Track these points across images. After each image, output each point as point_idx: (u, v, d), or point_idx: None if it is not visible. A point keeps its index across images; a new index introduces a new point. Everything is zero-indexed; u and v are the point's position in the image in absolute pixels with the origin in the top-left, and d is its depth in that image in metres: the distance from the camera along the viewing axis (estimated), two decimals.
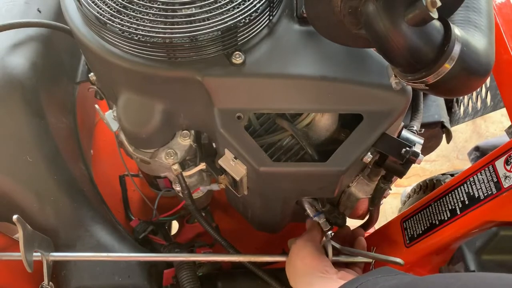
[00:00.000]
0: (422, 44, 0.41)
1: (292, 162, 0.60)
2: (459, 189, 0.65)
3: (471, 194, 0.63)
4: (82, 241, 0.71)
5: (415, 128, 0.63)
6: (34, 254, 0.63)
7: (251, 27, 0.51)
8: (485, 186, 0.61)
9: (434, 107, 0.77)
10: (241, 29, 0.50)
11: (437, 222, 0.68)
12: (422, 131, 0.68)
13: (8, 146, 0.66)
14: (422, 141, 0.58)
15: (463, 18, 0.46)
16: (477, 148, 1.44)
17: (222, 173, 0.64)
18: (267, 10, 0.52)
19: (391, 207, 1.68)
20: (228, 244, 0.72)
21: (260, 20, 0.52)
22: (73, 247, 0.71)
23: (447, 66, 0.41)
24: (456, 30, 0.42)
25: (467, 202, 0.63)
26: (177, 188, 0.69)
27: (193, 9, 0.49)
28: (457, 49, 0.41)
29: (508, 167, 0.58)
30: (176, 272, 0.75)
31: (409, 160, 0.56)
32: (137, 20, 0.48)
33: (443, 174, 1.01)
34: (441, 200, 0.69)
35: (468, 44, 0.42)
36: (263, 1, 0.51)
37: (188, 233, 0.96)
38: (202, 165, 0.66)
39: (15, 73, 0.65)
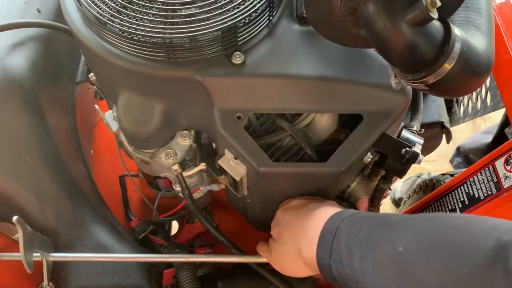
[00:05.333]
0: (422, 44, 0.41)
1: (292, 162, 0.60)
2: (459, 189, 0.65)
3: (471, 194, 0.63)
4: (82, 241, 0.71)
5: (415, 128, 0.63)
6: (34, 254, 0.63)
7: (251, 27, 0.51)
8: (485, 186, 0.61)
9: (434, 107, 0.77)
10: (241, 29, 0.50)
11: None
12: (422, 131, 0.68)
13: (8, 146, 0.66)
14: (422, 141, 0.58)
15: (463, 18, 0.46)
16: (458, 153, 1.44)
17: (222, 173, 0.64)
18: (267, 10, 0.52)
19: (391, 207, 1.68)
20: (230, 243, 0.72)
21: (260, 20, 0.52)
22: (73, 247, 0.71)
23: (447, 66, 0.41)
24: (456, 30, 0.42)
25: (467, 202, 0.63)
26: (177, 188, 0.69)
27: (193, 9, 0.49)
28: (457, 49, 0.41)
29: (508, 167, 0.58)
30: (176, 272, 0.75)
31: (409, 160, 0.56)
32: (137, 20, 0.48)
33: (443, 174, 1.01)
34: (441, 200, 0.69)
35: (468, 44, 0.42)
36: (263, 1, 0.51)
37: (188, 233, 0.96)
38: (202, 165, 0.66)
39: (15, 73, 0.64)
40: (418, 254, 0.42)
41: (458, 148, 1.45)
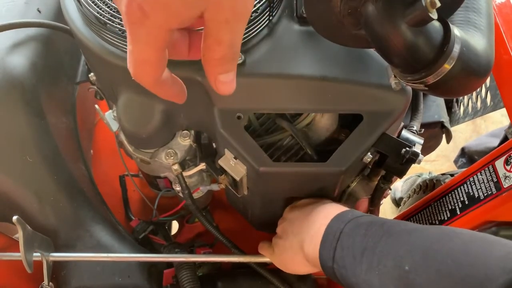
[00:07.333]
0: (421, 44, 0.41)
1: (292, 162, 0.60)
2: (459, 189, 0.66)
3: (471, 194, 0.63)
4: (82, 241, 0.71)
5: (415, 128, 0.63)
6: (34, 254, 0.63)
7: (251, 27, 0.51)
8: (485, 186, 0.61)
9: (434, 107, 0.77)
10: None
11: (437, 222, 0.68)
12: (422, 131, 0.68)
13: (8, 146, 0.66)
14: (422, 141, 0.58)
15: (463, 18, 0.46)
16: (463, 154, 1.44)
17: (222, 173, 0.64)
18: (267, 10, 0.52)
19: (391, 207, 1.68)
20: (230, 243, 0.72)
21: (260, 20, 0.52)
22: (73, 247, 0.71)
23: (447, 66, 0.41)
24: (456, 31, 0.42)
25: (467, 202, 0.63)
26: (177, 188, 0.69)
27: None
28: (456, 49, 0.41)
29: (508, 167, 0.58)
30: (176, 272, 0.75)
31: (409, 160, 0.56)
32: None
33: (443, 174, 1.01)
34: (441, 200, 0.69)
35: (467, 45, 0.42)
36: (263, 1, 0.51)
37: (188, 233, 0.96)
38: (202, 165, 0.66)
39: (15, 73, 0.65)
40: (425, 277, 0.41)
41: (462, 149, 1.45)
